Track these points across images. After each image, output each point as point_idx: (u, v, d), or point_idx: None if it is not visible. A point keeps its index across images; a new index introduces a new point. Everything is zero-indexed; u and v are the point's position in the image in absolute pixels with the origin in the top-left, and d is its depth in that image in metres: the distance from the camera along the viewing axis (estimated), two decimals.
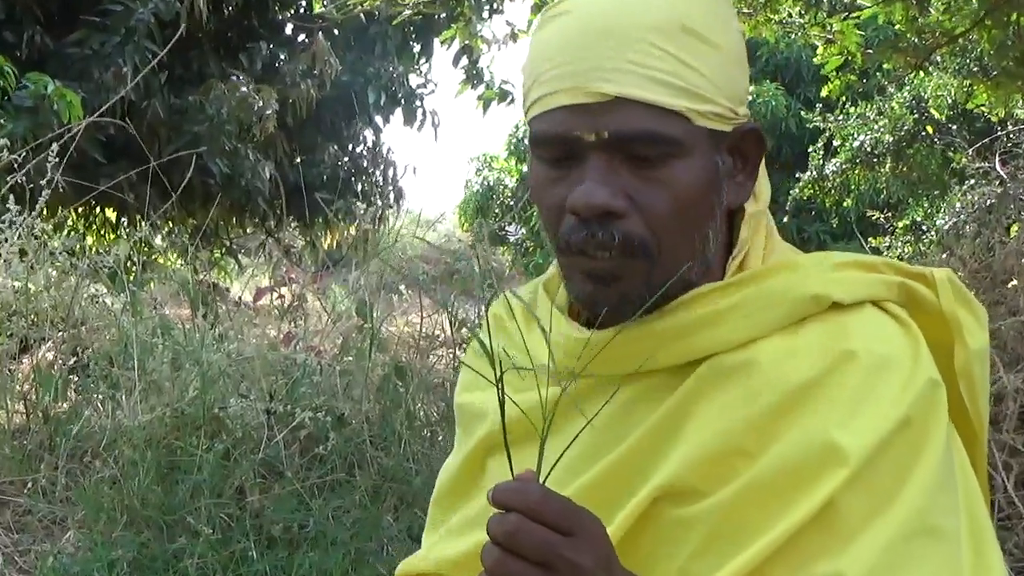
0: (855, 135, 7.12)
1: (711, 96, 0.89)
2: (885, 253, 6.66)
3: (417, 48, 7.53)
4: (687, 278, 0.91)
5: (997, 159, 4.86)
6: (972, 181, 5.28)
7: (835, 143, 7.34)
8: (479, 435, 1.03)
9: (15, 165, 3.61)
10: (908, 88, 6.93)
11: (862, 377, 0.88)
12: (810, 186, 7.48)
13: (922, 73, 5.79)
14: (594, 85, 0.87)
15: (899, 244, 6.53)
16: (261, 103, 5.98)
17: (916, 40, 4.05)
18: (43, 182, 3.50)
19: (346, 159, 7.74)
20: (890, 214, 6.83)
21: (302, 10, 7.10)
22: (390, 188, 7.81)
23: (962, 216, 4.60)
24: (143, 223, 4.13)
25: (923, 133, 6.86)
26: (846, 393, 0.87)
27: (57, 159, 3.56)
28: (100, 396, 3.33)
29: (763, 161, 0.96)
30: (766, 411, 0.88)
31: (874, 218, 6.48)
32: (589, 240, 0.88)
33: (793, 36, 4.52)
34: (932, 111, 6.81)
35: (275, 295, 3.77)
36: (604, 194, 0.87)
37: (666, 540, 0.90)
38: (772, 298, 0.92)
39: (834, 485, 0.84)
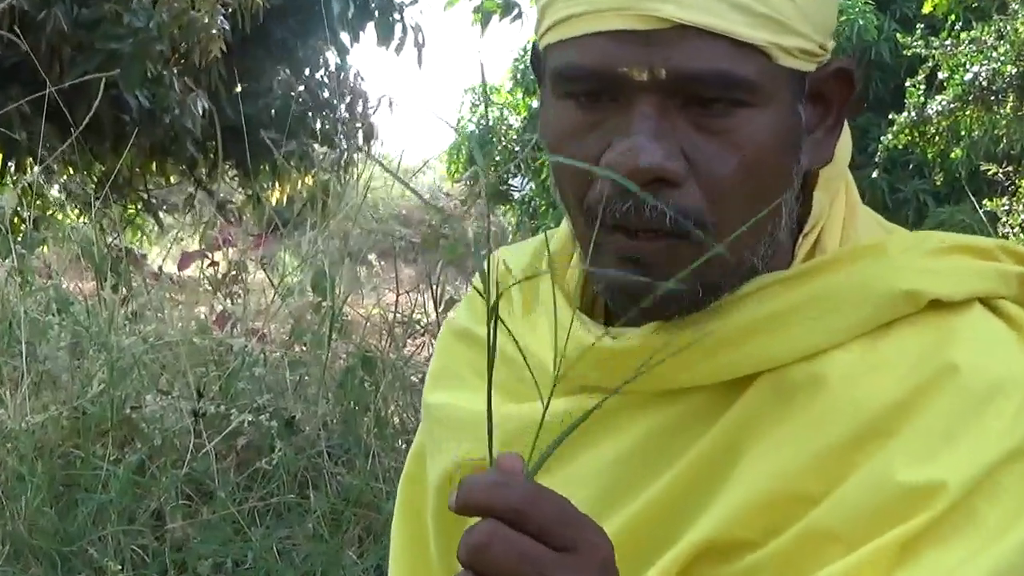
0: (967, 65, 7.10)
1: (798, 27, 0.89)
2: (1004, 221, 6.64)
3: None
4: (749, 266, 0.92)
5: None
6: None
7: (941, 75, 7.31)
8: (452, 456, 1.04)
9: None
10: None
11: (964, 402, 0.89)
12: (907, 131, 7.45)
13: None
14: (650, 6, 0.86)
15: (1023, 208, 6.52)
16: (206, 19, 5.85)
17: None
18: None
19: (301, 88, 7.73)
20: (1011, 168, 6.85)
21: None
22: (358, 127, 7.80)
23: None
24: (34, 167, 4.15)
25: None
26: (940, 422, 0.89)
27: None
28: None
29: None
30: (835, 444, 0.90)
31: (990, 173, 6.48)
32: (632, 213, 0.88)
33: None
34: None
35: (206, 263, 3.80)
36: (657, 154, 0.87)
37: None
38: (850, 294, 0.93)
39: (913, 530, 0.86)
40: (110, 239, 4.29)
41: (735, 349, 0.92)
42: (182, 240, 5.96)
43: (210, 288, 3.83)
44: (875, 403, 0.90)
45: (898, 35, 8.63)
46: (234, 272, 3.81)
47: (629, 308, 0.89)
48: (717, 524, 0.91)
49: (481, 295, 1.00)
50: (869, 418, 0.89)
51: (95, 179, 6.82)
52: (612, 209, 0.88)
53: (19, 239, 3.80)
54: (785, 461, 0.90)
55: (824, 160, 0.95)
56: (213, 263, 3.81)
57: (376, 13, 7.56)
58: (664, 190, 0.87)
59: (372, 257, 4.48)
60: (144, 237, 7.79)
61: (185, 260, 3.81)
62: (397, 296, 4.02)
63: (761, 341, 0.92)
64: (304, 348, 3.70)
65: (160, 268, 4.22)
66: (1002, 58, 6.95)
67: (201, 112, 6.53)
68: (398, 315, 3.94)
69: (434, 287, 3.82)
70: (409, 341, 3.93)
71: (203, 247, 3.97)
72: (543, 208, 11.22)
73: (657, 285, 0.86)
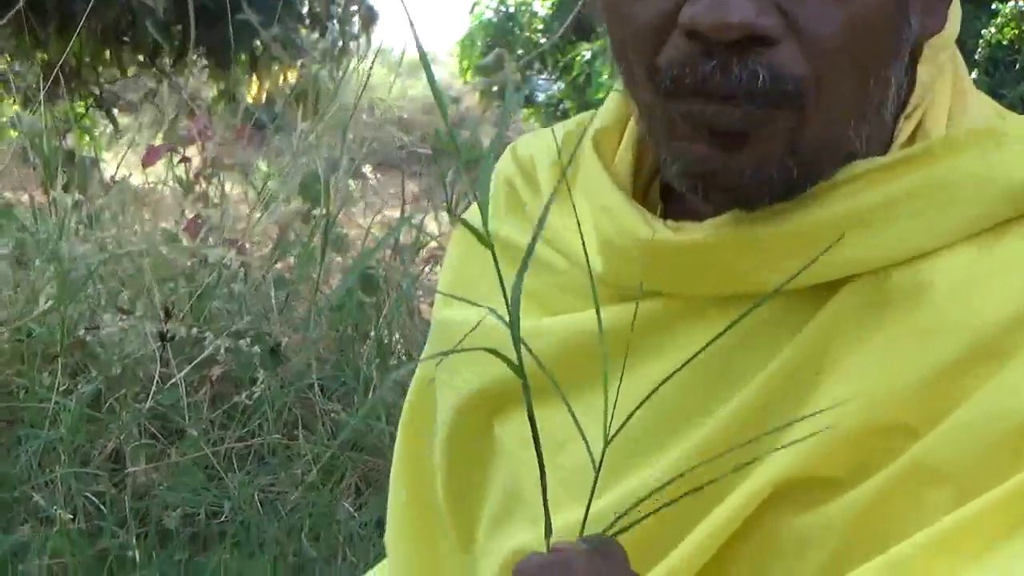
0: None
1: None
2: None
3: None
4: (848, 146, 0.93)
5: None
6: None
7: None
8: (474, 383, 1.07)
9: None
10: None
11: None
12: (1012, 24, 7.35)
13: None
14: None
15: None
16: None
17: None
18: None
19: None
20: None
21: None
22: (354, 10, 7.73)
23: None
24: None
25: None
26: None
27: None
28: None
29: None
30: (942, 366, 0.91)
31: None
32: (716, 76, 0.89)
33: None
34: None
35: (176, 159, 3.79)
36: (749, 8, 0.87)
37: (782, 555, 0.94)
38: (961, 187, 0.94)
39: None
40: (57, 142, 4.25)
41: (824, 247, 0.92)
42: (137, 145, 5.89)
43: (181, 189, 3.82)
44: (990, 317, 0.90)
45: None
46: (209, 169, 3.81)
47: (706, 192, 0.91)
48: (796, 459, 0.91)
49: (505, 185, 1.08)
50: (983, 335, 0.90)
51: (39, 70, 6.74)
52: (691, 72, 0.89)
53: None
54: (880, 384, 0.91)
55: (935, 28, 0.96)
56: (184, 159, 3.81)
57: None
58: (756, 49, 0.88)
59: (367, 170, 4.51)
60: (94, 141, 7.72)
61: (152, 154, 3.80)
62: (403, 206, 4.06)
63: (855, 239, 0.92)
64: (292, 262, 3.72)
65: (113, 178, 4.16)
66: None
67: None
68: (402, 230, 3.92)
69: (446, 191, 3.82)
70: (418, 259, 3.95)
71: (171, 143, 3.94)
72: (572, 109, 11.16)
73: (745, 163, 0.89)
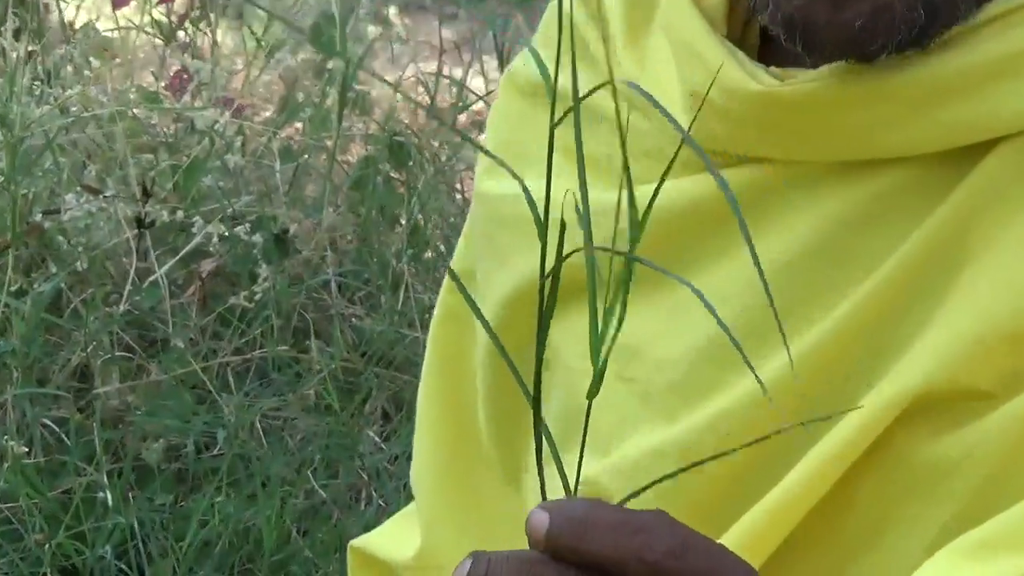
0: None
1: None
2: None
3: None
4: None
5: None
6: None
7: None
8: (526, 273, 1.09)
9: None
10: None
11: None
12: None
13: None
14: None
15: None
16: None
17: None
18: None
19: None
20: None
21: None
22: None
23: None
24: None
25: None
26: None
27: None
28: None
29: None
30: None
31: None
32: None
33: None
34: None
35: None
36: None
37: (916, 488, 0.95)
38: None
39: None
40: None
41: (966, 101, 0.95)
42: None
43: (160, 37, 3.74)
44: None
45: None
46: (197, 12, 3.74)
47: (808, 46, 0.95)
48: (935, 366, 0.94)
49: (566, 23, 1.06)
50: None
51: None
52: None
53: None
54: None
55: None
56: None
57: None
58: None
59: (393, 12, 4.48)
60: None
61: None
62: (440, 57, 3.98)
63: (1006, 91, 0.95)
64: (301, 129, 3.66)
65: (73, 25, 4.08)
66: None
67: None
68: (438, 87, 3.95)
69: (498, 40, 3.79)
70: (458, 125, 3.92)
71: None
72: None
73: (855, 14, 0.91)
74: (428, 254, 3.49)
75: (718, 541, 0.82)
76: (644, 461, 0.97)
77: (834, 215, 0.99)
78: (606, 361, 0.80)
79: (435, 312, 1.24)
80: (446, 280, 1.26)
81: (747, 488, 0.97)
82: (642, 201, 0.86)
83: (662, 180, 0.79)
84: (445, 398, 1.23)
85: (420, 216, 3.49)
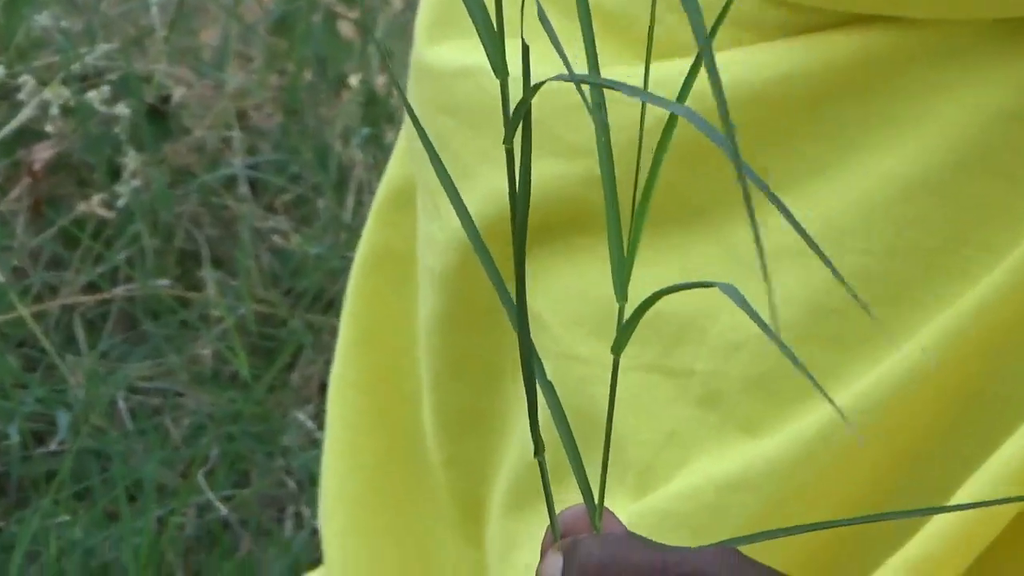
0: None
1: None
2: None
3: None
4: None
5: None
6: None
7: None
8: (499, 187, 1.10)
9: None
10: None
11: None
12: None
13: None
14: None
15: None
16: None
17: None
18: None
19: None
20: None
21: None
22: None
23: None
24: None
25: None
26: None
27: None
28: None
29: None
30: None
31: None
32: None
33: None
34: None
35: None
36: None
37: None
38: None
39: None
40: None
41: None
42: None
43: None
44: None
45: None
46: None
47: None
48: None
49: None
50: None
51: None
52: None
53: None
54: None
55: None
56: None
57: None
58: None
59: None
60: None
61: None
62: None
63: None
64: None
65: None
66: None
67: None
68: None
69: None
70: None
71: None
72: None
73: None
74: (391, 136, 3.30)
75: None
76: (712, 497, 1.00)
77: (1001, 106, 1.02)
78: (627, 335, 0.81)
79: (358, 252, 1.29)
80: (376, 202, 1.30)
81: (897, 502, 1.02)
82: (675, 83, 0.86)
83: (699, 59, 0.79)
84: (368, 393, 1.27)
85: (379, 76, 3.42)
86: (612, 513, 0.88)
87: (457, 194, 1.02)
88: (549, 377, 1.06)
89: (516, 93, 0.90)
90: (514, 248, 0.84)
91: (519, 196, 0.84)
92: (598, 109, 0.81)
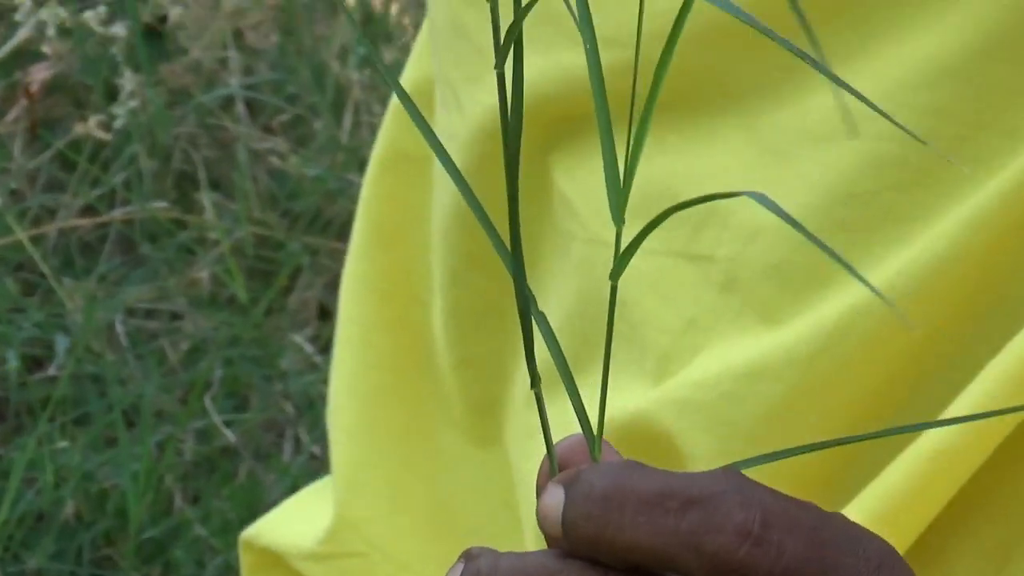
0: None
1: None
2: None
3: None
4: None
5: None
6: None
7: None
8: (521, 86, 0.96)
9: None
10: None
11: None
12: None
13: None
14: None
15: None
16: None
17: None
18: None
19: None
20: None
21: None
22: None
23: None
24: None
25: None
26: None
27: None
28: None
29: None
30: None
31: None
32: None
33: None
34: None
35: None
36: None
37: None
38: None
39: None
40: None
41: None
42: None
43: None
44: None
45: None
46: None
47: None
48: None
49: None
50: None
51: None
52: None
53: None
54: None
55: None
56: None
57: None
58: None
59: None
60: None
61: None
62: None
63: None
64: None
65: None
66: None
67: None
68: None
69: None
70: None
71: None
72: None
73: None
74: (390, 55, 3.33)
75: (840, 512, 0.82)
76: (730, 385, 0.99)
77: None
78: (625, 260, 0.80)
79: (373, 153, 1.28)
80: (391, 103, 1.30)
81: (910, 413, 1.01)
82: None
83: None
84: (382, 293, 1.27)
85: None
86: (609, 443, 0.86)
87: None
88: (575, 263, 1.12)
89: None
90: (507, 174, 0.81)
91: (511, 125, 0.81)
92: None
